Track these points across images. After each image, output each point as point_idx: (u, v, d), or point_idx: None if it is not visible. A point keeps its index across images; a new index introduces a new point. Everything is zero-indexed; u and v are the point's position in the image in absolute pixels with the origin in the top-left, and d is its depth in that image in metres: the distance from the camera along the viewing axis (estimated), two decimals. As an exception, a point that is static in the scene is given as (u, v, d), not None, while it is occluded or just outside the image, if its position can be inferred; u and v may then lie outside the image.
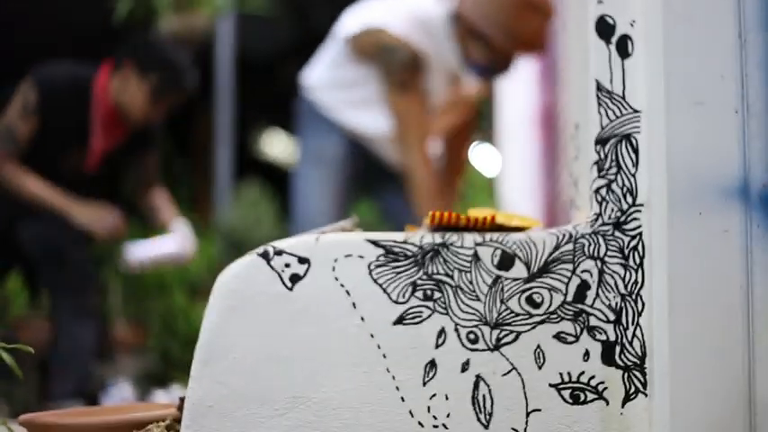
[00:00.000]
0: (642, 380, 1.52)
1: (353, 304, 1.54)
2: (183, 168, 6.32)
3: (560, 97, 5.17)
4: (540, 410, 1.52)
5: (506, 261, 1.54)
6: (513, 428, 1.52)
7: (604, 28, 1.57)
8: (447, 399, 1.52)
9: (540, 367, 1.53)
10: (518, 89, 5.51)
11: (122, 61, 3.72)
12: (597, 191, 1.55)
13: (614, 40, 1.57)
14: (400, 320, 1.53)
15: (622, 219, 1.54)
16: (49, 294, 3.83)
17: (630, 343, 1.52)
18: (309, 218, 3.37)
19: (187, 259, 3.97)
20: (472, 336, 1.53)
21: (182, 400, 1.61)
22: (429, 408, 1.52)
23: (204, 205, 7.04)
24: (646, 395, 1.52)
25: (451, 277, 1.54)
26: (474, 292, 1.53)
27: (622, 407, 1.52)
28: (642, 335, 1.52)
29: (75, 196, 3.73)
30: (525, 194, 5.51)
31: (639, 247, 1.53)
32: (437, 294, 1.54)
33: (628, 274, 1.53)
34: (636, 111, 1.55)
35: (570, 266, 1.53)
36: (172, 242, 3.93)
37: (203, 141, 8.26)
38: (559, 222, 5.18)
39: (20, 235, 3.72)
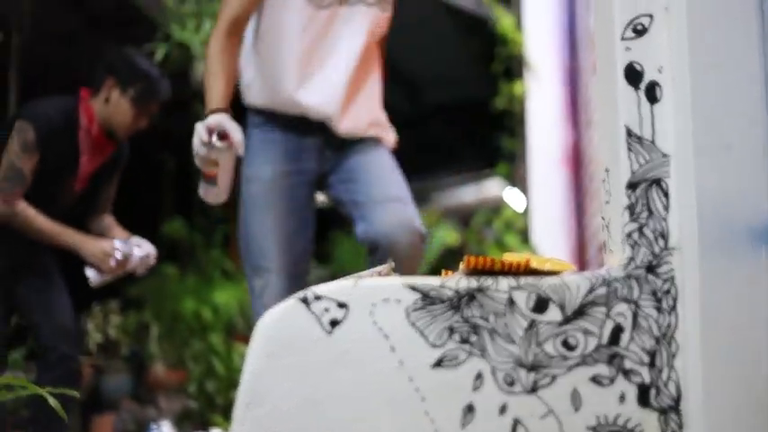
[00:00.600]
0: (678, 422, 1.53)
1: (392, 348, 1.56)
2: (218, 213, 6.39)
3: (586, 137, 5.24)
4: (578, 452, 1.54)
5: (541, 304, 1.56)
6: (550, 470, 1.54)
7: (633, 74, 1.60)
8: (485, 442, 1.54)
9: (576, 410, 1.54)
10: (546, 129, 5.55)
11: (101, 81, 3.81)
12: (629, 235, 1.57)
13: (643, 86, 1.60)
14: (438, 364, 1.55)
15: (655, 262, 1.56)
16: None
17: (666, 385, 1.54)
18: None
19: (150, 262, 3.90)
20: (509, 379, 1.55)
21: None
22: (467, 450, 1.54)
23: (237, 249, 7.11)
24: (682, 437, 1.54)
25: (487, 321, 1.56)
26: (510, 335, 1.56)
27: (659, 448, 1.54)
28: (677, 377, 1.54)
29: (65, 219, 3.78)
30: (554, 232, 5.53)
31: (672, 290, 1.55)
32: (474, 338, 1.56)
33: (661, 316, 1.55)
34: (665, 155, 1.58)
35: (604, 310, 1.55)
36: (138, 247, 3.85)
37: (237, 186, 8.34)
38: (588, 259, 5.21)
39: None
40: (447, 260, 5.59)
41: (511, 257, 1.66)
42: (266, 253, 3.03)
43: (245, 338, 5.57)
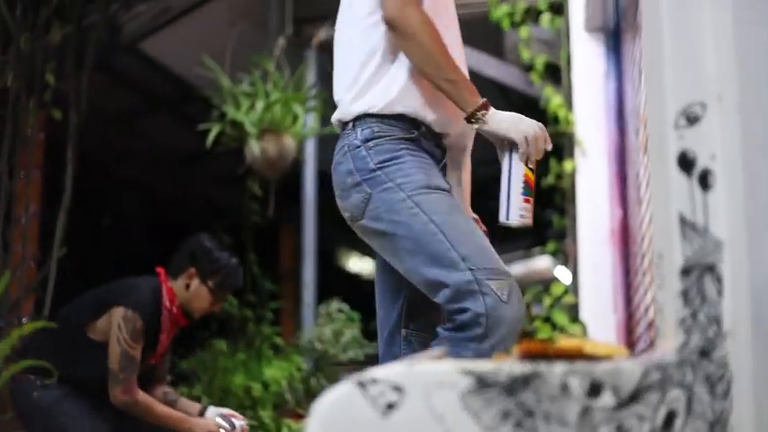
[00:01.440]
0: (733, 508, 1.53)
1: (447, 432, 1.57)
2: (269, 290, 6.47)
3: (633, 214, 5.25)
4: None
5: (595, 389, 1.57)
6: None
7: (686, 162, 1.63)
8: None
9: (631, 495, 1.54)
10: (594, 206, 5.57)
11: (183, 268, 4.21)
12: (683, 320, 1.59)
13: (696, 173, 1.62)
14: (492, 448, 1.57)
15: (708, 347, 1.57)
16: None
17: (720, 471, 1.54)
18: None
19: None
20: (564, 464, 1.55)
21: None
22: None
23: (288, 325, 7.18)
24: None
25: (541, 406, 1.57)
26: (564, 420, 1.56)
27: None
28: (732, 463, 1.54)
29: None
30: (602, 309, 5.53)
31: (726, 375, 1.56)
32: (528, 423, 1.57)
33: (715, 402, 1.55)
34: (719, 241, 1.59)
35: (658, 395, 1.56)
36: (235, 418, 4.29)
37: (289, 262, 8.44)
38: (636, 337, 5.19)
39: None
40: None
41: (565, 342, 1.67)
42: (494, 256, 2.68)
43: (295, 414, 5.60)
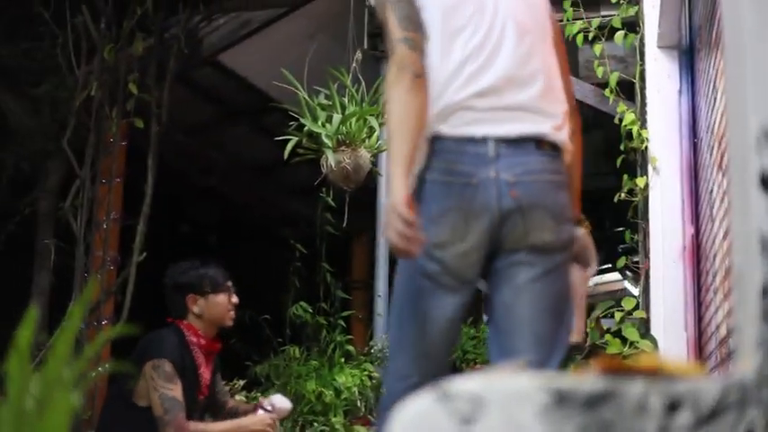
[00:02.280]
0: None
1: (526, 446, 1.61)
2: (341, 300, 6.57)
3: (705, 231, 5.24)
4: None
5: (673, 408, 1.60)
6: None
7: (767, 181, 1.65)
8: None
9: None
10: (666, 223, 5.57)
11: (182, 304, 4.39)
12: (763, 341, 1.61)
13: (776, 193, 1.64)
14: (572, 462, 1.61)
15: (786, 368, 1.60)
16: None
17: (795, 490, 1.57)
18: None
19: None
20: (642, 479, 1.59)
21: None
22: None
23: (360, 333, 7.27)
24: None
25: (620, 422, 1.60)
26: (642, 436, 1.60)
27: None
28: (808, 483, 1.57)
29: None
30: (673, 325, 5.53)
31: (803, 396, 1.59)
32: (607, 437, 1.60)
33: (792, 422, 1.58)
34: (799, 264, 1.62)
35: (737, 415, 1.58)
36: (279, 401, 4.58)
37: (361, 272, 8.54)
38: (707, 354, 5.18)
39: None
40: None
41: (643, 360, 1.71)
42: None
43: (365, 421, 5.68)
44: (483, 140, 2.71)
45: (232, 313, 4.47)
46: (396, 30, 2.76)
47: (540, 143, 2.74)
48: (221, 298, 4.38)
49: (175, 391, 4.11)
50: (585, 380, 1.64)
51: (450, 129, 2.74)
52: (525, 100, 2.76)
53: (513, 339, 2.77)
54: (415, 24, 2.77)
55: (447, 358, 2.88)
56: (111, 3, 6.16)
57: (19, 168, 6.11)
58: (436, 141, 2.74)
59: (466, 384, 1.67)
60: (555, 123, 2.77)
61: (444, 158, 2.74)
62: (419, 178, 2.75)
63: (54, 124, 6.17)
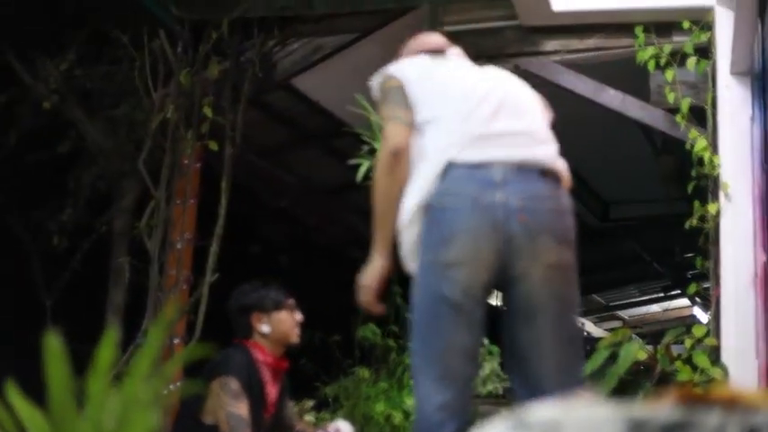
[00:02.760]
0: None
1: (603, 473, 1.64)
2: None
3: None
4: None
5: (751, 438, 1.62)
6: None
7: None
8: None
9: None
10: (737, 250, 5.54)
11: (248, 325, 4.49)
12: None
13: None
14: (648, 490, 1.63)
15: None
16: None
17: None
18: None
19: None
20: (718, 508, 1.60)
21: None
22: None
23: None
24: None
25: (696, 450, 1.62)
26: (719, 465, 1.61)
27: None
28: None
29: None
30: (744, 353, 5.49)
31: None
32: (683, 466, 1.62)
33: None
34: None
35: (813, 445, 1.60)
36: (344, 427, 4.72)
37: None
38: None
39: None
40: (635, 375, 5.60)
41: (719, 389, 1.74)
42: None
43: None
44: (490, 165, 2.93)
45: (297, 330, 4.56)
46: (388, 111, 3.16)
47: (543, 171, 2.97)
48: (284, 315, 4.48)
49: (242, 409, 4.18)
50: (661, 409, 1.66)
51: (460, 155, 2.95)
52: (524, 128, 3.06)
53: (533, 366, 2.96)
54: (406, 105, 3.12)
55: (472, 376, 3.03)
56: (188, 27, 6.30)
57: (95, 188, 6.26)
58: (447, 167, 2.94)
59: (542, 412, 1.70)
60: (553, 152, 3.05)
61: (454, 183, 2.93)
62: (431, 202, 2.95)
63: (130, 145, 6.32)
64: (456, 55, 3.50)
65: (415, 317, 2.99)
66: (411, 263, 3.04)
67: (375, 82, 3.36)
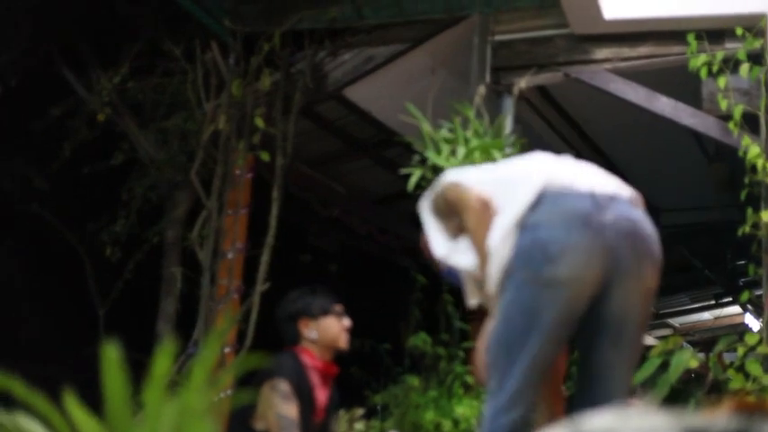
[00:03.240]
0: None
1: (661, 482, 1.64)
2: (460, 330, 6.60)
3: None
4: None
5: (809, 447, 1.61)
6: None
7: None
8: None
9: None
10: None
11: (296, 332, 4.53)
12: None
13: None
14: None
15: None
16: None
17: None
18: None
19: None
20: None
21: None
22: None
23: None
24: None
25: (754, 460, 1.61)
26: (776, 474, 1.60)
27: None
28: None
29: None
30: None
31: None
32: (740, 475, 1.61)
33: None
34: None
35: None
36: None
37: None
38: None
39: None
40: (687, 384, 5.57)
41: (776, 399, 1.74)
42: None
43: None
44: (590, 190, 2.97)
45: (345, 335, 4.58)
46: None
47: (631, 200, 3.02)
48: (331, 320, 4.51)
49: (291, 411, 4.22)
50: (718, 418, 1.65)
51: (557, 180, 3.00)
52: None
53: (609, 385, 2.99)
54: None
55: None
56: (240, 39, 6.35)
57: (147, 198, 6.32)
58: (546, 189, 2.98)
59: (599, 421, 1.70)
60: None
61: (561, 201, 2.95)
62: (532, 220, 2.95)
63: (182, 156, 6.38)
64: None
65: (503, 331, 2.97)
66: (497, 281, 3.00)
67: None
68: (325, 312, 4.53)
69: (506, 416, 2.86)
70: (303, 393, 4.33)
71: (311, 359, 4.46)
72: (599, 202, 2.93)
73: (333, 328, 4.52)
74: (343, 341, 4.56)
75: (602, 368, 3.00)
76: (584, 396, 3.06)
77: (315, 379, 4.44)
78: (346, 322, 4.59)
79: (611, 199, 2.96)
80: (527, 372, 2.88)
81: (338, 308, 4.59)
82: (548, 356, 2.93)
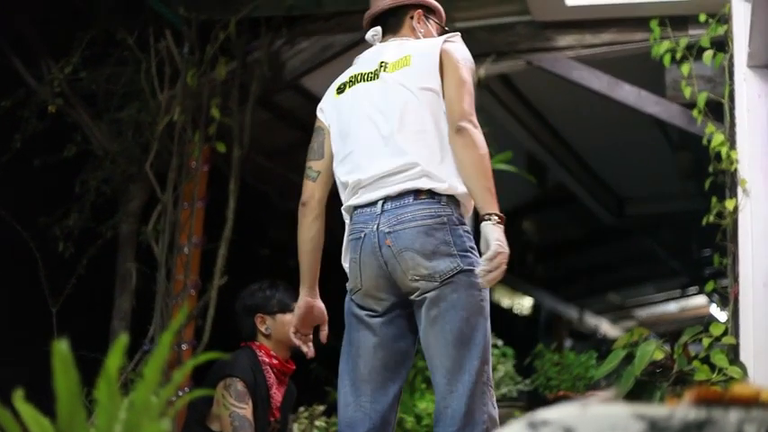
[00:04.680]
0: None
1: (618, 477, 1.56)
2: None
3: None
4: None
5: (773, 439, 1.54)
6: None
7: None
8: None
9: None
10: (756, 247, 5.43)
11: (252, 327, 4.47)
12: None
13: None
14: (666, 495, 1.55)
15: None
16: None
17: None
18: None
19: None
20: None
21: None
22: None
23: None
24: None
25: (717, 453, 1.55)
26: (740, 468, 1.54)
27: None
28: None
29: None
30: (763, 352, 5.38)
31: None
32: (702, 470, 1.55)
33: None
34: None
35: (840, 447, 1.53)
36: None
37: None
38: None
39: None
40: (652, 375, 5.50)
41: (740, 389, 1.65)
42: None
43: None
44: (375, 203, 3.23)
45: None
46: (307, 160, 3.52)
47: (417, 193, 3.17)
48: (289, 318, 4.31)
49: (246, 410, 4.12)
50: (680, 409, 1.58)
51: (356, 201, 3.30)
52: (398, 166, 3.21)
53: (432, 374, 3.17)
54: (318, 152, 3.48)
55: (386, 384, 3.24)
56: (195, 27, 6.21)
57: (101, 192, 6.16)
58: (352, 211, 3.34)
59: (557, 413, 1.62)
60: (425, 172, 3.19)
61: (352, 221, 3.33)
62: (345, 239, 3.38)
63: (137, 148, 6.22)
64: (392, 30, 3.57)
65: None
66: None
67: None
68: (283, 310, 4.43)
69: (346, 409, 3.28)
70: (259, 392, 4.24)
71: (267, 356, 4.37)
72: (375, 212, 3.31)
73: (289, 325, 4.37)
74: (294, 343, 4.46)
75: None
76: None
77: (271, 377, 4.35)
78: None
79: (392, 201, 3.25)
80: (354, 369, 3.32)
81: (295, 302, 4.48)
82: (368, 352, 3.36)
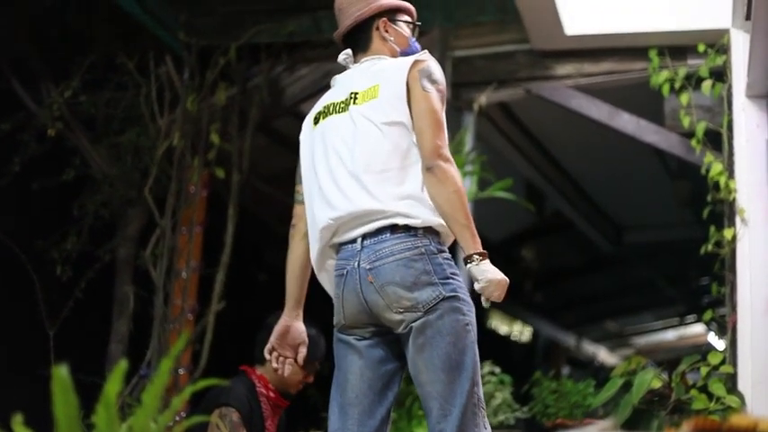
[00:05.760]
0: None
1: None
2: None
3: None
4: None
5: (772, 470, 1.54)
6: None
7: None
8: None
9: None
10: (755, 276, 5.44)
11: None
12: None
13: None
14: None
15: None
16: None
17: None
18: None
19: None
20: None
21: None
22: None
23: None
24: None
25: (715, 484, 1.55)
26: (738, 500, 1.54)
27: None
28: None
29: None
30: (761, 382, 5.38)
31: None
32: (701, 501, 1.55)
33: None
34: None
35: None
36: None
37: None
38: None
39: None
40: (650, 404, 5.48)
41: (738, 419, 1.65)
42: None
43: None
44: (354, 240, 3.22)
45: (300, 386, 4.46)
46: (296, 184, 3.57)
47: (393, 228, 3.15)
48: (304, 371, 4.34)
49: None
50: (676, 440, 1.58)
51: (338, 239, 3.28)
52: (367, 210, 3.18)
53: (424, 400, 3.15)
54: (301, 176, 3.48)
55: (372, 407, 3.24)
56: (195, 53, 6.24)
57: (99, 216, 6.17)
58: (338, 248, 3.31)
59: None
60: (394, 212, 3.15)
61: (338, 257, 3.30)
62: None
63: (136, 172, 6.24)
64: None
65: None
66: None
67: None
68: (304, 359, 4.36)
69: None
70: (254, 422, 4.22)
71: (265, 388, 4.35)
72: (355, 249, 3.27)
73: (296, 376, 4.34)
74: (294, 389, 4.45)
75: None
76: None
77: (267, 408, 4.33)
78: (310, 378, 4.47)
79: (371, 237, 3.24)
80: (342, 395, 3.32)
81: (316, 364, 4.45)
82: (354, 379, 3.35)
